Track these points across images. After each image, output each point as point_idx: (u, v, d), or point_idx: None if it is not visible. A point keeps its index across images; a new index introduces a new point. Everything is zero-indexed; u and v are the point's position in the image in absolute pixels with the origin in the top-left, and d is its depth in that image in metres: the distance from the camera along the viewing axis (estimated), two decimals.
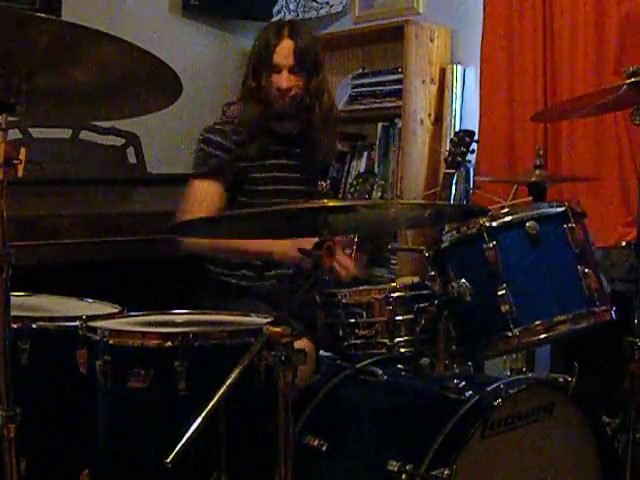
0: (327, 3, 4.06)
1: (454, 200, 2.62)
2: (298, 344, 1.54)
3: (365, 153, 3.84)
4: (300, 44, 2.51)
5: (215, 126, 2.57)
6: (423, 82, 3.54)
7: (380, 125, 3.75)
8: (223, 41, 4.11)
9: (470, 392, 1.81)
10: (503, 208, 2.06)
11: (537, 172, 2.41)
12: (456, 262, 1.95)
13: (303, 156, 2.62)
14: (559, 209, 1.94)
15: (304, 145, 2.61)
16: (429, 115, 3.56)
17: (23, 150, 1.43)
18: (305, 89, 2.52)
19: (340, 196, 3.68)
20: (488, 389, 1.81)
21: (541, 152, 2.46)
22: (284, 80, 2.48)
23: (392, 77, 3.67)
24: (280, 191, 2.56)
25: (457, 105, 3.56)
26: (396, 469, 1.69)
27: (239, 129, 2.53)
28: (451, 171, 2.50)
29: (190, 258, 2.56)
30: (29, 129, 2.96)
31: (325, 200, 1.54)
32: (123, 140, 3.25)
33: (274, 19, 4.18)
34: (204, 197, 2.48)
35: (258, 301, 2.47)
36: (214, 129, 2.55)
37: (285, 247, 2.30)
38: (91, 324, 1.88)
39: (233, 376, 1.45)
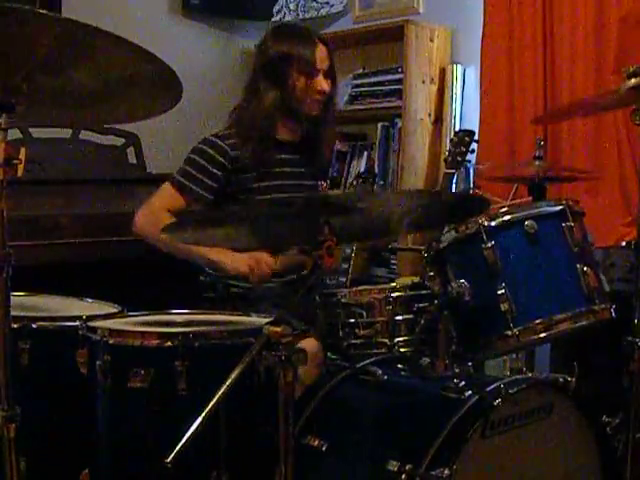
0: (327, 3, 4.07)
1: None
2: (304, 343, 1.54)
3: (365, 153, 3.84)
4: (330, 48, 2.53)
5: (213, 139, 2.49)
6: (423, 82, 3.54)
7: (380, 125, 3.75)
8: (223, 41, 4.12)
9: (470, 392, 1.81)
10: (502, 208, 2.06)
11: (537, 163, 2.41)
12: (455, 262, 1.95)
13: (305, 162, 2.62)
14: (557, 208, 1.93)
15: (306, 151, 2.60)
16: (429, 115, 3.57)
17: (23, 150, 1.43)
18: (330, 94, 2.54)
19: None
20: (488, 389, 1.80)
21: (541, 143, 2.46)
22: (324, 83, 2.48)
23: (392, 77, 3.67)
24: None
25: (457, 105, 3.56)
26: (396, 469, 1.69)
27: (243, 139, 2.47)
28: (451, 171, 2.51)
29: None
30: (29, 129, 2.96)
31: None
32: (123, 140, 3.24)
33: (274, 19, 4.19)
34: (167, 206, 2.46)
35: (259, 304, 2.46)
36: (211, 142, 2.48)
37: (238, 262, 2.32)
38: (91, 324, 1.88)
39: (233, 376, 1.45)
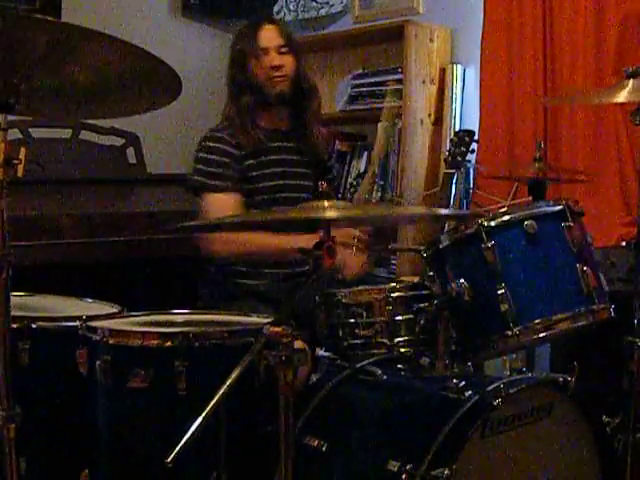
0: (327, 3, 4.06)
1: (454, 200, 2.62)
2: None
3: (365, 153, 3.84)
4: (282, 26, 2.58)
5: (213, 134, 2.55)
6: (423, 82, 3.54)
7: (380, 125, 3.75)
8: (223, 41, 4.10)
9: (470, 392, 1.81)
10: (502, 208, 2.06)
11: (537, 165, 2.42)
12: (455, 262, 1.95)
13: (301, 151, 2.62)
14: (557, 208, 1.93)
15: (299, 140, 2.61)
16: (429, 115, 3.56)
17: (23, 150, 1.43)
18: (296, 71, 2.54)
19: (340, 196, 3.68)
20: (488, 389, 1.80)
21: (542, 145, 2.47)
22: (275, 58, 2.50)
23: (392, 77, 3.67)
24: (282, 186, 2.56)
25: (457, 105, 3.56)
26: (396, 469, 1.69)
27: (235, 128, 2.52)
28: (451, 171, 2.51)
29: (190, 258, 2.56)
30: (29, 129, 2.96)
31: (326, 203, 1.55)
32: (123, 140, 3.25)
33: None
34: (225, 210, 2.38)
35: (257, 301, 2.47)
36: (213, 137, 2.54)
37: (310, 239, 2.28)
38: (91, 324, 1.88)
39: (233, 376, 1.45)
